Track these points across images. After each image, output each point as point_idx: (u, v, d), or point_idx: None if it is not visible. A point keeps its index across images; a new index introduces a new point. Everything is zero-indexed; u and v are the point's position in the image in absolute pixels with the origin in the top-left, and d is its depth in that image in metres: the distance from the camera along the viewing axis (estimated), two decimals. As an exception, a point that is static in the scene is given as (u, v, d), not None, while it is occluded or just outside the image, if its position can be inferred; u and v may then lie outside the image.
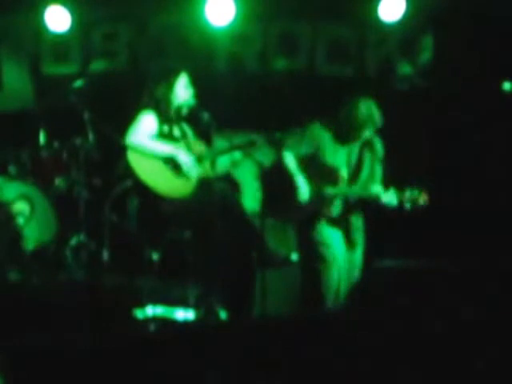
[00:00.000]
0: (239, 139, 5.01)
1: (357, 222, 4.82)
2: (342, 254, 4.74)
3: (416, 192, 4.68)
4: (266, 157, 4.97)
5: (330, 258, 4.69)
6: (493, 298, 3.81)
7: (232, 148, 4.99)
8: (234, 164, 5.06)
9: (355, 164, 4.80)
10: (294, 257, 4.86)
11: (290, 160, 4.75)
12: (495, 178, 5.92)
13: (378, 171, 4.81)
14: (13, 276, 5.01)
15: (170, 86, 4.91)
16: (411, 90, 6.42)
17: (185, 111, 5.00)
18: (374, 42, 6.46)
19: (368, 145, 4.81)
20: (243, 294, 5.01)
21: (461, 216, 5.92)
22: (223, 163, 5.03)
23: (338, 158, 4.78)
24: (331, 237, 4.75)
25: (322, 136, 4.78)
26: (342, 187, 4.73)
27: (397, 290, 3.81)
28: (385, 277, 3.92)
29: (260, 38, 6.47)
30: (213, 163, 5.01)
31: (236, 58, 6.48)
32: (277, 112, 6.21)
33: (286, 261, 4.86)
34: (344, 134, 4.77)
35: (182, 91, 4.95)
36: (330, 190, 4.71)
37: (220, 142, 5.02)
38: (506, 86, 4.74)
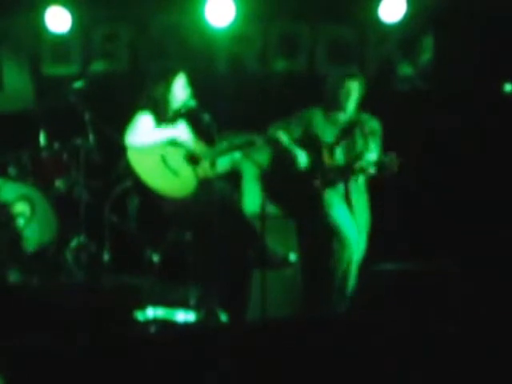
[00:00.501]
0: (239, 140, 5.02)
1: (362, 203, 4.87)
2: (353, 236, 4.79)
3: (392, 158, 4.72)
4: (265, 157, 4.98)
5: (341, 240, 4.74)
6: (493, 298, 3.81)
7: (231, 148, 5.00)
8: (234, 164, 5.07)
9: (347, 142, 4.91)
10: (293, 257, 4.86)
11: (284, 136, 4.90)
12: (496, 179, 5.91)
13: (373, 147, 4.87)
14: (13, 277, 5.01)
15: (168, 86, 4.92)
16: (411, 91, 6.42)
17: (183, 112, 5.01)
18: (374, 43, 6.45)
19: (359, 123, 4.92)
20: (239, 294, 5.01)
21: (461, 216, 5.92)
22: (223, 163, 5.05)
23: (329, 134, 4.90)
24: (342, 219, 4.79)
25: (313, 116, 4.96)
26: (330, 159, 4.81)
27: (397, 292, 3.81)
28: (385, 279, 3.93)
29: (260, 39, 6.46)
30: (212, 163, 5.02)
31: (236, 59, 6.48)
32: (277, 113, 6.22)
33: (285, 261, 4.86)
34: (330, 106, 4.93)
35: (180, 91, 4.96)
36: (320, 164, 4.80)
37: (220, 143, 5.03)
38: (507, 87, 4.74)
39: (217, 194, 4.94)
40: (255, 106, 6.22)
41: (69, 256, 5.27)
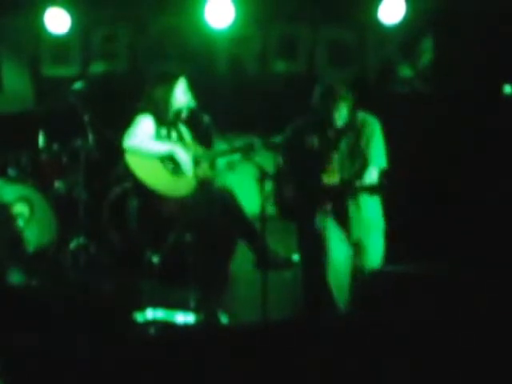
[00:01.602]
0: (239, 142, 5.03)
1: (375, 207, 4.81)
2: (340, 251, 4.76)
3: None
4: (264, 160, 4.98)
5: (330, 253, 4.72)
6: (492, 300, 3.80)
7: (231, 150, 5.01)
8: (231, 166, 5.07)
9: (346, 150, 4.74)
10: (296, 258, 4.86)
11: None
12: (495, 181, 5.91)
13: (374, 152, 4.70)
14: (13, 278, 5.00)
15: (169, 89, 4.93)
16: (411, 93, 6.42)
17: (184, 114, 5.02)
18: (374, 45, 6.47)
19: (353, 128, 4.73)
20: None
21: (460, 217, 5.92)
22: (222, 165, 5.06)
23: (327, 147, 4.75)
24: (331, 232, 4.77)
25: (305, 130, 4.80)
26: (333, 175, 4.74)
27: (396, 294, 3.81)
28: (384, 282, 3.92)
29: (260, 41, 6.49)
30: (212, 165, 5.03)
31: (236, 61, 6.49)
32: (276, 114, 6.22)
33: (288, 262, 4.86)
34: (319, 120, 4.74)
35: (181, 96, 4.97)
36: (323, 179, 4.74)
37: (219, 144, 5.03)
38: (507, 89, 4.73)
39: (216, 195, 4.95)
40: (255, 107, 6.23)
41: (68, 257, 5.27)
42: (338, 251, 4.74)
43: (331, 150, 4.76)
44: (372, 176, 4.64)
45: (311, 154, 4.78)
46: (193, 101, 4.99)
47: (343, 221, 4.73)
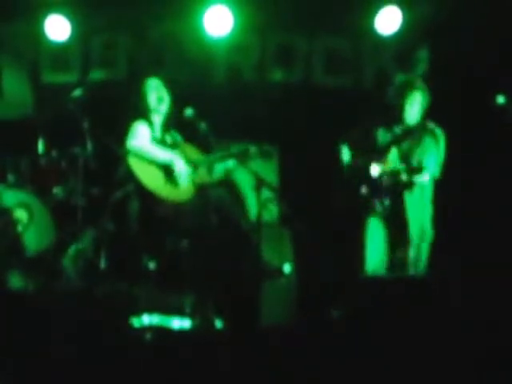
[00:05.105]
0: (234, 148, 5.07)
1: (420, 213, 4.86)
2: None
3: None
4: (259, 166, 5.02)
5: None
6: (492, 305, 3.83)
7: (226, 155, 5.04)
8: (228, 171, 5.11)
9: (405, 150, 4.85)
10: (287, 269, 4.88)
11: (345, 153, 4.97)
12: (490, 191, 5.93)
13: (427, 161, 4.75)
14: (11, 283, 5.02)
15: (139, 92, 5.01)
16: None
17: (171, 119, 5.07)
18: (369, 54, 6.49)
19: (419, 132, 4.83)
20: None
21: (456, 224, 5.93)
22: (218, 170, 5.10)
23: (387, 141, 4.89)
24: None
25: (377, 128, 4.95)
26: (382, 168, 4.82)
27: (391, 299, 3.84)
28: (379, 287, 3.96)
29: (257, 49, 6.51)
30: (209, 170, 5.07)
31: (234, 69, 6.52)
32: (273, 122, 6.27)
33: (278, 272, 4.88)
34: (389, 117, 4.89)
35: (151, 96, 5.03)
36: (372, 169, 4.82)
37: (216, 151, 5.07)
38: (500, 99, 4.77)
39: (213, 202, 4.98)
40: (252, 116, 6.27)
41: (66, 263, 5.29)
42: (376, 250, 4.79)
43: (393, 144, 4.82)
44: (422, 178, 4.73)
45: (370, 146, 4.85)
46: (190, 108, 5.03)
47: (400, 214, 4.82)
